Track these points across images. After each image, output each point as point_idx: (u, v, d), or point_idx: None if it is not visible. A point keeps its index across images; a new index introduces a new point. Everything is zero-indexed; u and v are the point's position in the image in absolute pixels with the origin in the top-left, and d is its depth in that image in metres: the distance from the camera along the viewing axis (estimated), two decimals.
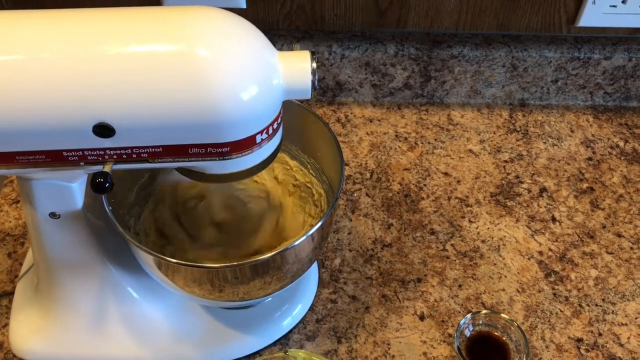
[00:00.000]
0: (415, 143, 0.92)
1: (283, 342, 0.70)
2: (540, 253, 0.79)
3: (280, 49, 0.52)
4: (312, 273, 0.75)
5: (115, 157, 0.50)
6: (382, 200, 0.84)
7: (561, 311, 0.73)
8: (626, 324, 0.73)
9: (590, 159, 0.90)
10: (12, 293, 0.72)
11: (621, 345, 0.71)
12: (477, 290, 0.75)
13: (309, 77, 0.51)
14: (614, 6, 0.84)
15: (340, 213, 0.82)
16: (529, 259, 0.78)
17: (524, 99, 0.98)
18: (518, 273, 0.77)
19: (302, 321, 0.72)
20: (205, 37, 0.47)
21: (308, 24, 0.88)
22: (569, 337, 0.71)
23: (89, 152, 0.50)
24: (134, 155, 0.50)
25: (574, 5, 0.85)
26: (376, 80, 0.95)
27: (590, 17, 0.86)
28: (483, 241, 0.80)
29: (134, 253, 0.60)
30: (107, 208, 0.58)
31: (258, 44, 0.50)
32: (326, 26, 0.89)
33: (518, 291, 0.75)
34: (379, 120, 0.95)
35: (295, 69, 0.51)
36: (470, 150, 0.91)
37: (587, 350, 0.70)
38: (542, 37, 0.92)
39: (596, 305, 0.74)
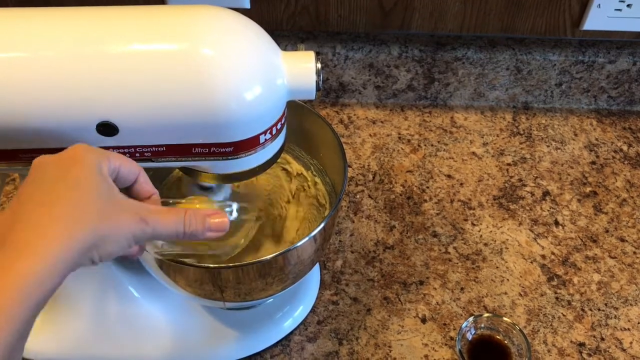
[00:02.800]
0: (418, 145, 0.91)
1: (284, 343, 0.70)
2: (543, 257, 0.79)
3: (284, 49, 0.52)
4: (314, 274, 0.75)
5: None
6: (385, 202, 0.84)
7: (563, 315, 0.73)
8: (629, 329, 0.72)
9: (593, 162, 0.90)
10: None
11: (623, 350, 0.70)
12: (479, 293, 0.75)
13: (314, 78, 0.50)
14: (619, 10, 0.84)
15: (342, 214, 0.82)
16: (531, 262, 0.78)
17: (528, 102, 0.98)
18: (520, 276, 0.76)
19: (303, 322, 0.71)
20: (209, 36, 0.47)
21: (312, 24, 0.88)
22: (571, 342, 0.71)
23: None
24: (137, 155, 0.50)
25: (578, 8, 0.85)
26: (380, 82, 0.95)
27: (595, 21, 0.86)
28: (485, 244, 0.80)
29: None
30: None
31: (262, 44, 0.50)
32: (330, 27, 0.89)
33: (520, 295, 0.75)
34: (382, 122, 0.94)
35: (299, 69, 0.50)
36: (474, 153, 0.91)
37: (590, 355, 0.70)
38: (547, 40, 0.92)
39: (599, 309, 0.74)
